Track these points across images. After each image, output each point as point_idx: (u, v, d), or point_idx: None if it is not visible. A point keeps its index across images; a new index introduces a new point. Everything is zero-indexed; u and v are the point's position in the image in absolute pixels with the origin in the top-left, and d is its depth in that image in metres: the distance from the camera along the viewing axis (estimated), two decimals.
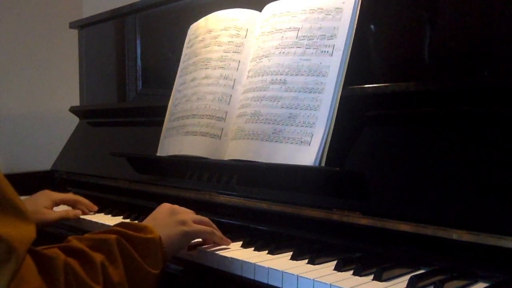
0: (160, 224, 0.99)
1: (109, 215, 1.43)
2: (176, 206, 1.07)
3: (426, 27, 1.11)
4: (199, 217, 1.06)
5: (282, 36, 1.23)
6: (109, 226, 1.20)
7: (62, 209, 1.44)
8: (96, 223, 1.36)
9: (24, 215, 0.75)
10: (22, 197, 1.61)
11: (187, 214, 1.05)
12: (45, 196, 1.40)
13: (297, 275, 0.87)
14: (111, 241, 0.88)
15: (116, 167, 1.63)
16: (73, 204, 1.46)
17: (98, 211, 1.48)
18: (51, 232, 1.42)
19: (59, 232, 1.42)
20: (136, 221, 1.02)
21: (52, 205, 1.39)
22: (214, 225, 1.08)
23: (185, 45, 1.53)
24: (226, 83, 1.34)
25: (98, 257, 0.85)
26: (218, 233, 1.06)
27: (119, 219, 1.36)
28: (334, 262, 0.92)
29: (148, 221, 1.02)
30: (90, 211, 1.46)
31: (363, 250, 1.01)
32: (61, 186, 1.90)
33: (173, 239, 0.98)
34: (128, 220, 1.34)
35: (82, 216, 1.42)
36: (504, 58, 1.00)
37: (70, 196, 1.48)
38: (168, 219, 1.02)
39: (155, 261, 0.92)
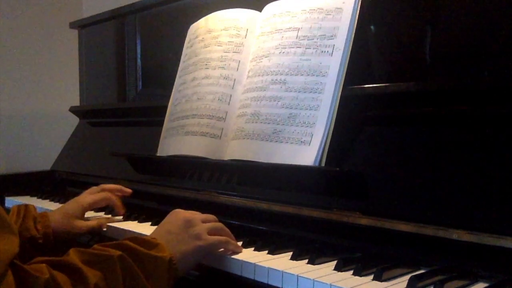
0: (175, 240, 0.96)
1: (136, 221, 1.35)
2: (190, 216, 1.01)
3: (426, 27, 1.11)
4: (213, 225, 1.03)
5: (282, 36, 1.23)
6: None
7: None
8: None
9: (8, 226, 0.73)
10: (53, 205, 1.58)
11: (202, 226, 1.00)
12: (75, 204, 1.31)
13: (297, 275, 0.87)
14: (113, 258, 0.85)
15: (116, 167, 1.63)
16: (106, 204, 1.38)
17: (107, 213, 1.44)
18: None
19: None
20: (149, 236, 0.97)
21: (82, 213, 1.31)
22: (227, 230, 1.05)
23: (185, 45, 1.53)
24: (226, 83, 1.34)
25: (93, 276, 0.82)
26: (233, 241, 1.03)
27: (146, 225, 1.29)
28: (334, 262, 0.92)
29: (161, 235, 0.98)
30: (120, 212, 1.37)
31: (363, 250, 1.01)
32: (61, 186, 1.91)
33: (188, 256, 0.96)
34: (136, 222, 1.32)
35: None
36: (504, 58, 1.00)
37: (99, 196, 1.35)
38: (183, 234, 0.98)
39: (161, 282, 0.89)
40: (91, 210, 1.39)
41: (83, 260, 0.84)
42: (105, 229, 1.30)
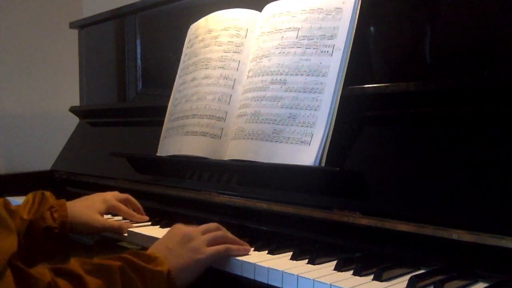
0: (173, 255, 0.96)
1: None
2: (188, 231, 1.01)
3: (426, 27, 1.11)
4: (213, 235, 1.01)
5: (282, 36, 1.23)
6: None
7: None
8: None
9: (5, 225, 0.73)
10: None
11: (200, 239, 1.00)
12: (101, 199, 1.30)
13: (297, 275, 0.87)
14: (114, 268, 0.86)
15: (116, 167, 1.63)
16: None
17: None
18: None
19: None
20: (146, 251, 0.98)
21: (106, 210, 1.30)
22: (231, 237, 1.03)
23: (185, 45, 1.53)
24: (226, 83, 1.34)
25: (94, 284, 0.82)
26: (235, 246, 1.01)
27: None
28: (334, 262, 0.92)
29: (160, 250, 0.97)
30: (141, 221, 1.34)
31: (363, 250, 1.01)
32: (61, 186, 1.91)
33: (186, 270, 0.95)
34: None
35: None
36: (504, 58, 1.00)
37: (122, 207, 1.34)
38: (181, 249, 0.97)
39: None
40: (110, 213, 1.35)
41: (84, 269, 0.85)
42: (125, 234, 1.26)
